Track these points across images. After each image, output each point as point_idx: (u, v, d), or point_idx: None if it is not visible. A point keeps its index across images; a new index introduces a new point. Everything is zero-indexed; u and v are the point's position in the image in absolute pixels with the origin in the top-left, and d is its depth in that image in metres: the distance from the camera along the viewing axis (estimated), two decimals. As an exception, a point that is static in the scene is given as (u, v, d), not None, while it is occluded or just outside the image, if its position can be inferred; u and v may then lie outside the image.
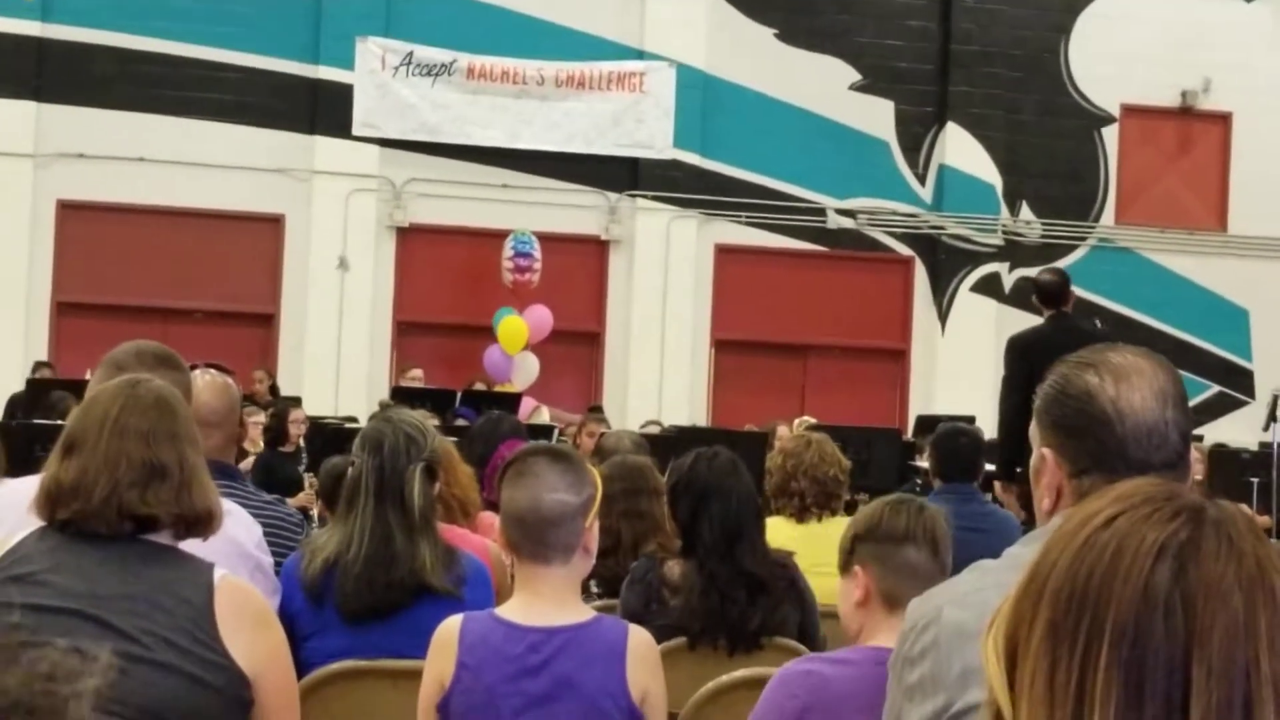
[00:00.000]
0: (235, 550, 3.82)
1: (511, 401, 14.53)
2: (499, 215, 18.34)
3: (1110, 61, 19.72)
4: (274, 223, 18.43)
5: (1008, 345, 9.57)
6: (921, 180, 19.73)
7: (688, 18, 19.03)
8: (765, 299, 19.30)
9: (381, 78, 18.44)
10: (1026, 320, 19.42)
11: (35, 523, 2.96)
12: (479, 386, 16.79)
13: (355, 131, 18.37)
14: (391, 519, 3.98)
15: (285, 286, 18.43)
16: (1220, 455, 12.02)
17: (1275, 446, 11.43)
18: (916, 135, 19.69)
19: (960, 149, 19.59)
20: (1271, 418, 11.40)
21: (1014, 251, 19.78)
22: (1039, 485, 2.41)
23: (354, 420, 13.51)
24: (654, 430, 13.23)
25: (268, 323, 18.52)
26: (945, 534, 3.49)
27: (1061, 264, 19.70)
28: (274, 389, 16.51)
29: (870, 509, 3.57)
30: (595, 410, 15.21)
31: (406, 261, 18.77)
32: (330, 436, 10.96)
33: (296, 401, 13.90)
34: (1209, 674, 1.32)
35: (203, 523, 2.97)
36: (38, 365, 16.05)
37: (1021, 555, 2.33)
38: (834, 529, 5.80)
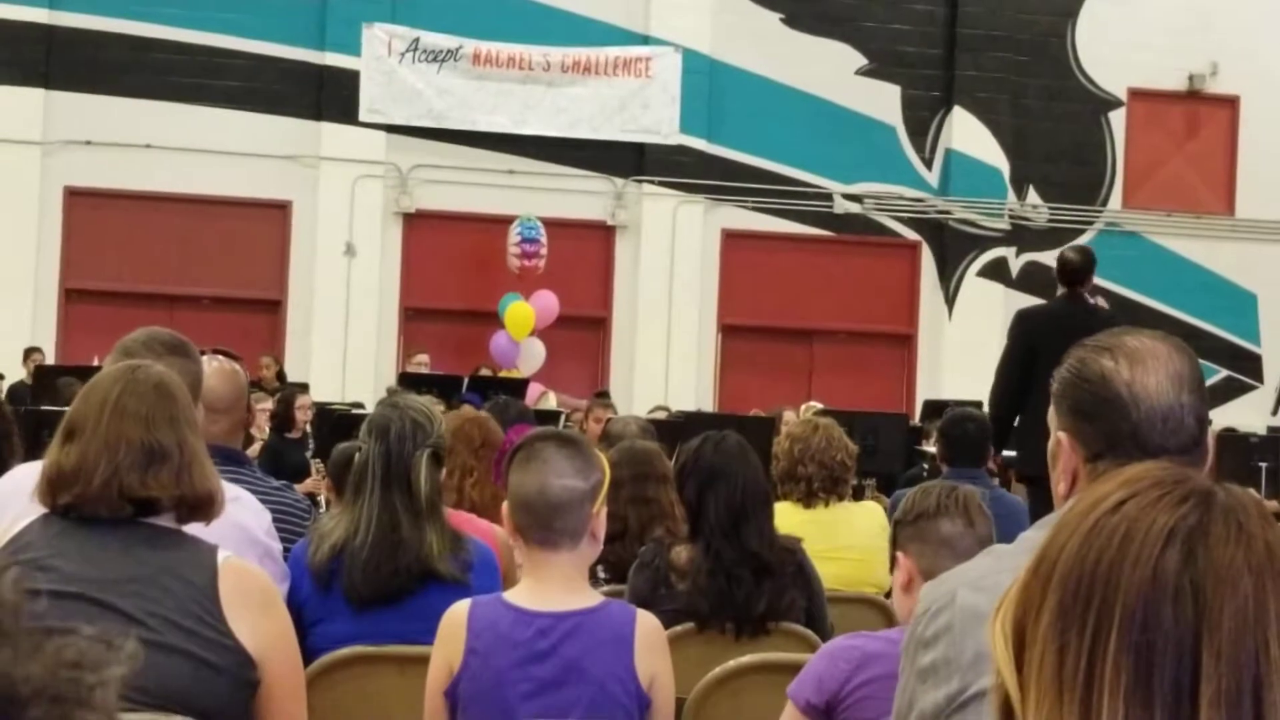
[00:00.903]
0: (244, 537, 3.83)
1: (519, 387, 14.53)
2: (505, 201, 18.34)
3: (1117, 45, 19.68)
4: (281, 209, 18.43)
5: (1014, 318, 9.52)
6: (928, 165, 19.71)
7: (693, 3, 19.02)
8: (772, 284, 19.28)
9: (388, 64, 18.43)
10: (1034, 304, 19.48)
11: (39, 509, 2.97)
12: (485, 372, 16.80)
13: (362, 118, 18.37)
14: (398, 505, 3.98)
15: (292, 273, 18.45)
16: (1229, 439, 12.01)
17: (1284, 430, 11.43)
18: (923, 120, 19.66)
19: (967, 133, 19.56)
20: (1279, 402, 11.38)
21: (1021, 236, 19.76)
22: (1055, 469, 2.41)
23: (360, 406, 13.53)
24: (661, 415, 13.23)
25: (275, 309, 18.53)
26: (979, 507, 3.55)
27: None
28: (281, 375, 16.52)
29: (906, 497, 3.64)
30: (602, 395, 15.21)
31: (413, 247, 18.77)
32: (336, 422, 10.96)
33: (303, 387, 13.90)
34: (1218, 659, 1.31)
35: (204, 506, 2.98)
36: (29, 351, 16.06)
37: (1035, 539, 2.32)
38: (841, 514, 5.83)
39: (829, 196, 19.47)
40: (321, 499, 10.03)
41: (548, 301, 17.99)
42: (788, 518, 5.45)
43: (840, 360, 19.42)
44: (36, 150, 17.75)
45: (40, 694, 1.00)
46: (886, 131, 19.58)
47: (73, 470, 2.90)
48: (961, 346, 19.33)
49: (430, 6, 18.53)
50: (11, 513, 3.13)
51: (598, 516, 3.40)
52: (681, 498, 4.85)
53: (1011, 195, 19.75)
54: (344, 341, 18.20)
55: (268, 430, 11.90)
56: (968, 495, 3.55)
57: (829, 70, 19.31)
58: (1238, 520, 1.36)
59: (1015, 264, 19.79)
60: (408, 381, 14.60)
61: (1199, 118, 20.39)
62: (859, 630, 4.70)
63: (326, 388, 16.17)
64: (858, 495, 9.84)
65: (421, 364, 16.86)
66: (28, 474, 3.26)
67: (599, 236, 19.16)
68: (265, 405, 12.15)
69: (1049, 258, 19.83)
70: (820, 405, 13.56)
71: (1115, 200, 20.16)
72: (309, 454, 11.26)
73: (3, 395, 12.94)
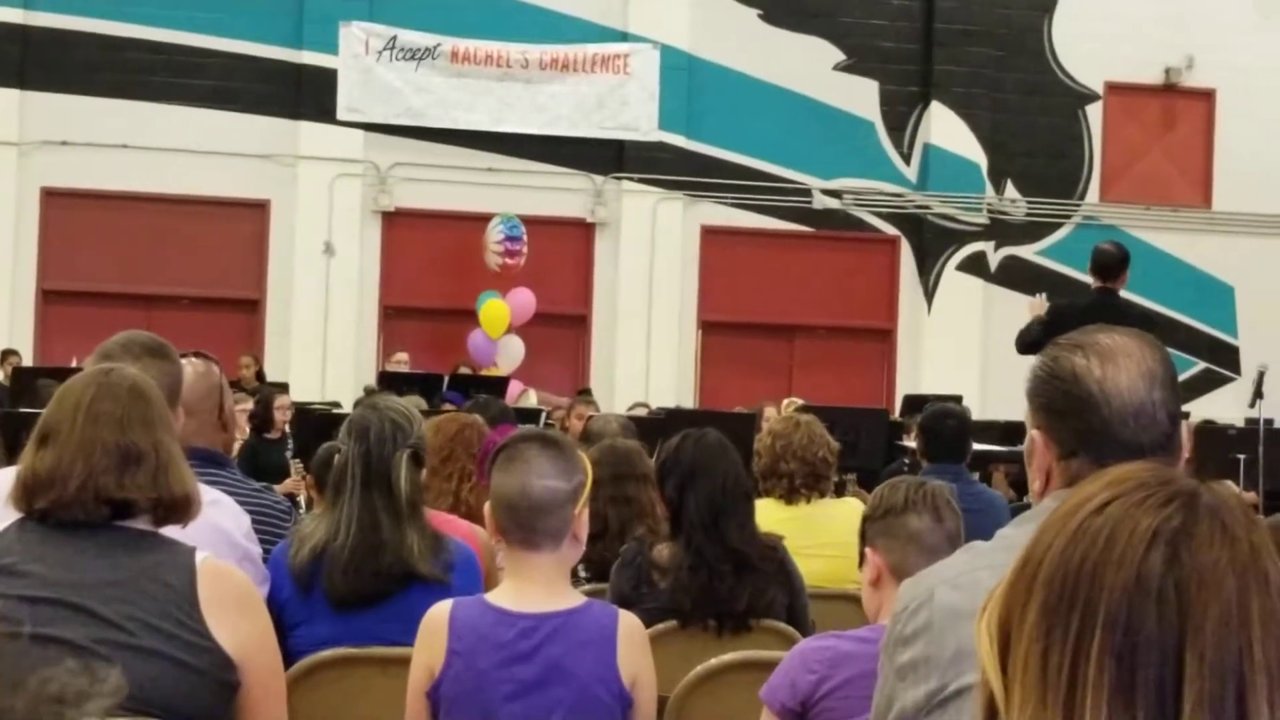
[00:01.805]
0: (223, 539, 3.81)
1: (499, 385, 14.53)
2: (484, 199, 18.32)
3: (1094, 39, 19.72)
4: (259, 208, 18.39)
5: (1047, 310, 9.63)
6: (906, 159, 19.73)
7: (671, -1, 19.02)
8: (752, 280, 19.30)
9: (365, 62, 18.39)
10: (1013, 298, 19.54)
11: (14, 515, 2.95)
12: (465, 371, 16.79)
13: (339, 116, 18.33)
14: (379, 506, 3.97)
15: (271, 272, 18.40)
16: (1207, 432, 12.02)
17: (1262, 423, 11.45)
18: (901, 114, 19.68)
19: (945, 128, 19.59)
20: (1257, 394, 11.41)
21: (999, 230, 19.80)
22: (1031, 467, 2.42)
23: (339, 406, 13.50)
24: (641, 412, 13.22)
25: (254, 308, 18.48)
26: (947, 503, 3.54)
27: (1046, 242, 19.80)
28: (260, 375, 16.49)
29: (874, 493, 3.64)
30: (584, 393, 15.21)
31: (392, 246, 18.74)
32: (316, 423, 10.93)
33: (283, 387, 13.87)
34: (1201, 661, 1.31)
35: (180, 507, 2.97)
36: (6, 353, 15.98)
37: (1013, 536, 2.32)
38: (822, 510, 5.84)
39: (808, 192, 19.48)
40: (301, 499, 10.01)
41: (524, 299, 17.98)
42: (769, 514, 5.45)
43: (820, 355, 19.44)
44: (13, 151, 17.68)
45: None
46: (865, 127, 19.60)
47: (48, 475, 2.89)
48: (941, 341, 19.39)
49: (408, 4, 18.50)
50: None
51: (580, 517, 3.40)
52: (662, 495, 4.85)
53: (990, 189, 19.79)
54: (323, 341, 18.17)
55: (247, 430, 11.86)
56: (935, 490, 3.55)
57: (807, 66, 19.32)
58: (1222, 521, 1.36)
59: (994, 258, 19.83)
60: (388, 381, 14.60)
61: (1175, 111, 20.45)
62: (842, 627, 4.72)
63: (306, 387, 16.14)
64: (839, 491, 9.86)
65: (401, 363, 16.84)
66: (2, 480, 3.24)
67: (578, 234, 19.15)
68: (245, 406, 12.11)
69: (1027, 252, 19.94)
70: (801, 401, 13.57)
71: (1093, 194, 20.21)
72: (289, 454, 11.23)
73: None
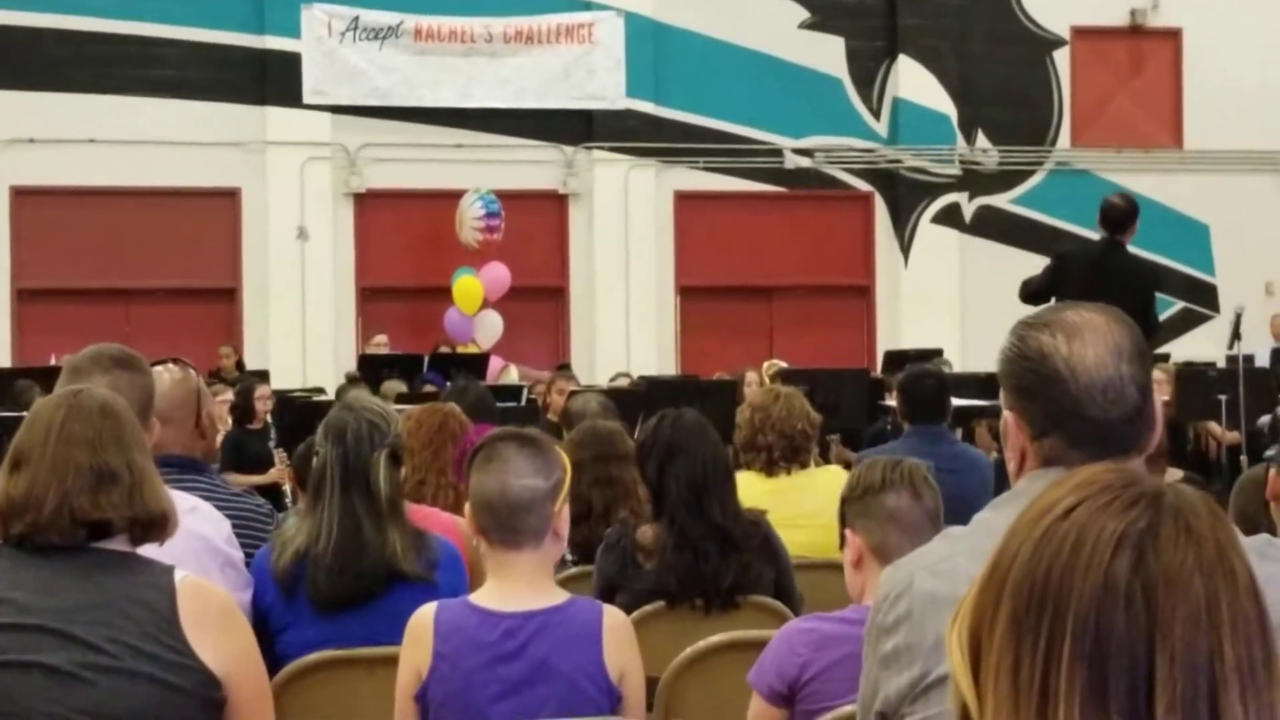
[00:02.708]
0: (204, 547, 3.81)
1: (479, 363, 14.52)
2: (455, 175, 18.28)
3: (1058, -16, 19.72)
4: (230, 196, 18.33)
5: (1052, 257, 9.66)
6: (876, 115, 19.71)
7: (632, -35, 18.94)
8: (727, 243, 19.28)
9: (329, 44, 18.31)
10: (989, 248, 19.57)
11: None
12: (444, 349, 16.77)
13: (306, 100, 18.27)
14: (359, 507, 3.96)
15: (246, 260, 18.36)
16: (1188, 375, 12.05)
17: (1241, 360, 11.46)
18: (869, 70, 19.66)
19: (913, 81, 19.57)
20: (1235, 334, 11.42)
21: (972, 181, 19.80)
22: (1006, 448, 2.42)
23: (321, 392, 13.48)
24: (623, 383, 13.23)
25: (230, 297, 18.44)
26: (925, 480, 3.55)
27: (1020, 190, 19.79)
28: (240, 364, 16.46)
29: (850, 474, 3.66)
30: (564, 368, 15.20)
31: (366, 227, 18.70)
32: (298, 411, 10.93)
33: (263, 376, 13.84)
34: (1172, 663, 1.31)
35: (157, 525, 2.96)
36: None
37: (990, 520, 2.32)
38: (803, 482, 5.84)
39: (779, 152, 19.46)
40: (287, 488, 10.01)
41: (498, 274, 17.96)
42: (750, 487, 5.45)
43: (800, 315, 19.44)
44: (-21, 151, 17.61)
45: None
46: (833, 84, 19.56)
47: (22, 499, 2.88)
48: (919, 294, 19.41)
49: (368, -16, 18.42)
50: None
51: (560, 514, 3.40)
52: (643, 477, 4.86)
53: (961, 140, 19.78)
54: (302, 326, 18.13)
55: (229, 422, 11.84)
56: (913, 468, 3.55)
57: (772, 26, 19.27)
58: (1187, 522, 1.35)
59: (968, 209, 19.84)
60: (368, 363, 14.59)
61: (1143, 52, 20.44)
62: (828, 596, 4.72)
63: (287, 374, 16.10)
64: (824, 451, 9.87)
65: (381, 344, 16.81)
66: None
67: (552, 206, 19.12)
68: (225, 397, 12.08)
69: (1002, 200, 19.94)
70: (782, 364, 13.58)
71: (1064, 139, 20.22)
72: (271, 444, 11.22)
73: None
